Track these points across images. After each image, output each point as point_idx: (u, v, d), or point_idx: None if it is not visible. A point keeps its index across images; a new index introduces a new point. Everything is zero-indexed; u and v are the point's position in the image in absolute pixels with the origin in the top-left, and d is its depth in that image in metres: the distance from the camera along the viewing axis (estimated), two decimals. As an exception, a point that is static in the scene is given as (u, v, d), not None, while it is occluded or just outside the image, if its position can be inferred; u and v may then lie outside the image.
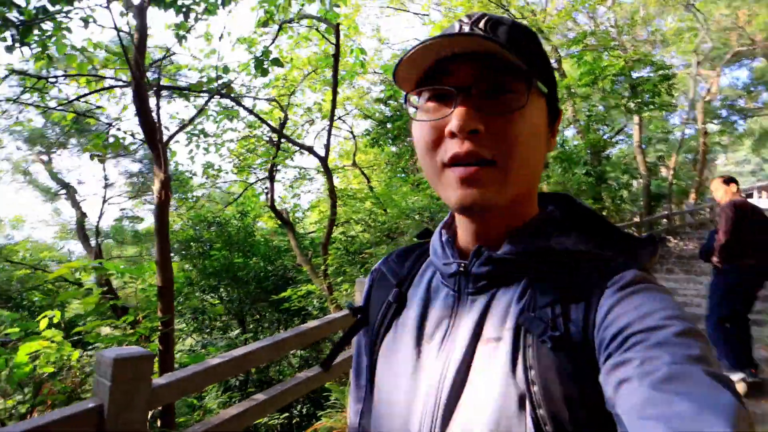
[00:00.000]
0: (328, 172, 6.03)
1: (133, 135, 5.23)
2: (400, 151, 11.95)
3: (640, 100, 9.41)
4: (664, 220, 12.90)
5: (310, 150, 6.41)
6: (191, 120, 5.55)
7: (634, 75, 9.75)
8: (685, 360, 0.40)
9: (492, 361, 0.52)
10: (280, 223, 6.99)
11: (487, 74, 0.52)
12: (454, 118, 0.52)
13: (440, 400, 0.54)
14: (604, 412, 0.45)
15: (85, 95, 5.18)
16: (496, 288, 0.57)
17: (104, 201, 11.83)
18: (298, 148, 7.27)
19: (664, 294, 0.50)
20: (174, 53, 5.95)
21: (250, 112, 5.99)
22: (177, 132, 4.92)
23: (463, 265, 0.59)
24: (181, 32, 4.56)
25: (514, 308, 0.54)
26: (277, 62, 4.84)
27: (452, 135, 0.52)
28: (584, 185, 9.58)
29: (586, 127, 10.79)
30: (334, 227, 7.37)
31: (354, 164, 10.01)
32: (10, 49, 4.12)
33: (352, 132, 8.84)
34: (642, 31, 14.83)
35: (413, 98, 0.59)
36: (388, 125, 10.47)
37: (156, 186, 3.44)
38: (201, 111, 5.26)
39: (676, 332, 0.43)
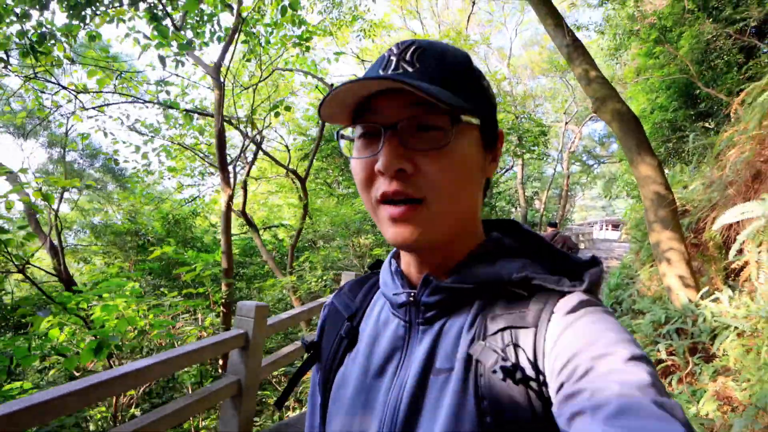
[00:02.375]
0: (305, 192, 7.25)
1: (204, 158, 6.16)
2: (328, 167, 13.33)
3: (524, 148, 12.11)
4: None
5: (294, 172, 7.51)
6: (249, 156, 6.47)
7: (520, 127, 12.54)
8: (634, 389, 0.40)
9: (444, 392, 0.51)
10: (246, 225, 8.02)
11: (411, 111, 0.51)
12: (381, 156, 0.51)
13: (395, 431, 0.53)
14: None
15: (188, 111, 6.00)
16: (447, 317, 0.56)
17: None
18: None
19: (609, 317, 0.49)
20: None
21: (262, 150, 7.06)
22: (251, 165, 6.03)
23: (412, 294, 0.58)
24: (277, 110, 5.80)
25: (465, 337, 0.53)
26: (287, 108, 6.10)
27: (381, 173, 0.52)
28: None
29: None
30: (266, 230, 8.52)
31: (292, 173, 11.21)
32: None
33: (287, 146, 9.98)
34: (527, 86, 18.28)
35: (347, 133, 0.58)
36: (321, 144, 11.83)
37: (224, 198, 4.60)
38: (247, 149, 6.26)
39: (623, 359, 0.43)
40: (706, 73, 7.72)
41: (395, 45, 0.56)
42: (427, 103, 0.50)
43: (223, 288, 4.92)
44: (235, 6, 6.14)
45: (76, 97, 5.80)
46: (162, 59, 5.62)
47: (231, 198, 4.76)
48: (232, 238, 7.73)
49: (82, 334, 3.74)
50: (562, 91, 17.55)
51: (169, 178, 8.72)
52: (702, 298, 4.44)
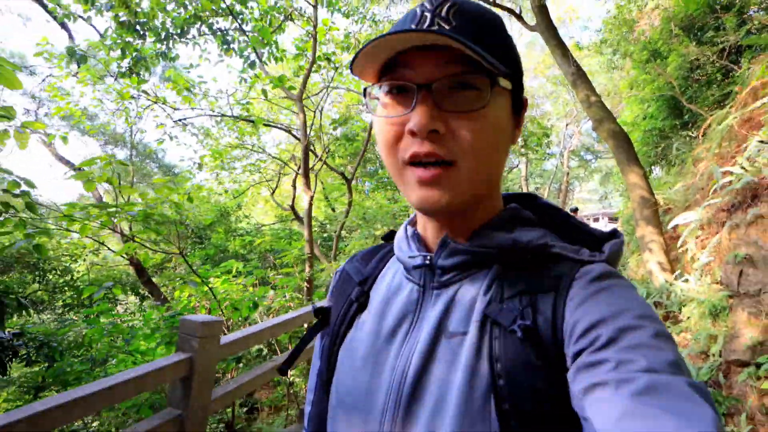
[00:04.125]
0: (350, 190, 8.46)
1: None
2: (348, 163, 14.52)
3: (529, 149, 13.31)
4: (537, 234, 17.45)
5: (342, 174, 8.75)
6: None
7: (525, 130, 13.76)
8: (663, 367, 0.39)
9: (457, 355, 0.51)
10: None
11: (448, 69, 0.49)
12: (414, 116, 0.49)
13: (402, 395, 0.53)
14: (570, 407, 0.44)
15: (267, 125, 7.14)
16: (462, 282, 0.56)
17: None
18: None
19: (634, 291, 0.49)
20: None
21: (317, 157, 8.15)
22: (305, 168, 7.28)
23: (428, 257, 0.59)
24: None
25: (481, 301, 0.53)
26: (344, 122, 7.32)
27: (412, 134, 0.50)
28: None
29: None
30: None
31: (340, 175, 12.46)
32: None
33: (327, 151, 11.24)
34: (530, 87, 19.45)
35: (374, 90, 0.55)
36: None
37: (306, 198, 5.88)
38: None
39: (651, 334, 0.42)
40: (690, 88, 8.95)
41: (428, 0, 0.52)
42: (464, 62, 0.49)
43: (307, 268, 6.11)
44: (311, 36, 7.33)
45: (163, 110, 6.97)
46: (244, 80, 6.81)
47: (312, 198, 5.99)
48: (275, 227, 8.93)
49: (203, 301, 4.96)
50: (563, 93, 18.74)
51: (217, 174, 9.91)
52: (675, 279, 5.70)
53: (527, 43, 23.76)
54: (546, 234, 0.57)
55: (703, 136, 6.33)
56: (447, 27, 0.49)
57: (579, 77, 6.51)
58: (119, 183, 3.61)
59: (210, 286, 4.36)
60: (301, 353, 0.71)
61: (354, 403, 0.57)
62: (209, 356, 2.36)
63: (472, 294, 0.54)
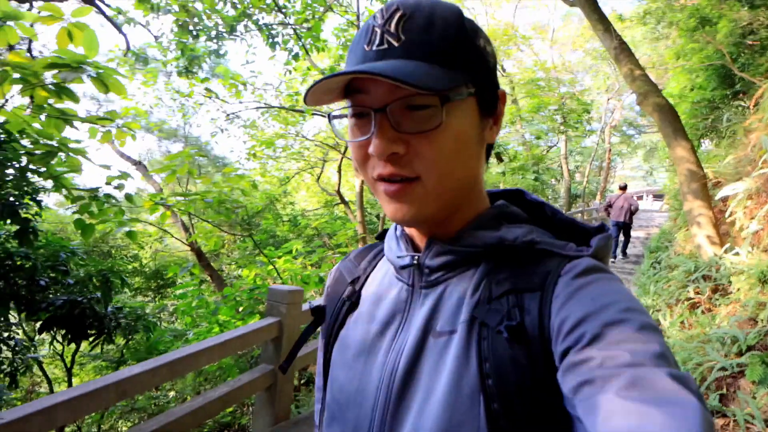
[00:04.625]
0: None
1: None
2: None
3: (569, 126, 13.13)
4: (579, 214, 17.20)
5: None
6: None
7: (564, 107, 13.56)
8: (647, 360, 0.40)
9: (444, 355, 0.52)
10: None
11: (399, 92, 0.49)
12: (374, 141, 0.51)
13: (391, 394, 0.54)
14: (560, 407, 0.44)
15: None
16: (449, 281, 0.57)
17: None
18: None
19: (619, 284, 0.49)
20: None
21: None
22: (343, 155, 7.59)
23: (416, 257, 0.59)
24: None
25: (468, 301, 0.53)
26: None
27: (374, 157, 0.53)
28: (531, 187, 13.31)
29: (530, 143, 14.56)
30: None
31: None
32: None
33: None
34: (567, 61, 18.94)
35: (338, 113, 0.58)
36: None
37: (358, 183, 6.27)
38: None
39: (635, 328, 0.42)
40: (742, 55, 8.59)
41: (379, 10, 0.52)
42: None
43: (360, 246, 6.45)
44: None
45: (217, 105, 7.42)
46: (289, 71, 7.19)
47: (363, 182, 6.36)
48: (318, 212, 9.34)
49: (267, 279, 5.40)
50: (603, 66, 18.13)
51: (264, 162, 10.42)
52: (725, 252, 5.67)
53: (563, 16, 22.99)
54: (533, 230, 0.57)
55: (755, 106, 6.17)
56: (396, 44, 0.50)
57: (622, 51, 6.45)
58: (198, 173, 4.04)
59: (275, 264, 4.79)
60: (299, 351, 0.74)
61: (346, 400, 0.59)
62: (294, 320, 2.77)
63: (459, 293, 0.55)
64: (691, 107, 9.56)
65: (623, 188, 9.86)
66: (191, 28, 6.37)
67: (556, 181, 17.63)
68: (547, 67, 13.13)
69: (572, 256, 0.53)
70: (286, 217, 10.63)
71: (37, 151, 3.56)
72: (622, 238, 9.96)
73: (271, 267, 4.95)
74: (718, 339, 3.90)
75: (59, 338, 4.34)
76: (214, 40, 7.35)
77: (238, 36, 7.53)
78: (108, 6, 8.50)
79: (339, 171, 8.27)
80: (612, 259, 9.85)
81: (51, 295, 4.13)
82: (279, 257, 5.38)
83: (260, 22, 7.50)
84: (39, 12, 3.03)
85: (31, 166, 3.44)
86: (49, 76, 3.12)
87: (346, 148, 8.54)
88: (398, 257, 0.62)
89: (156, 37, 7.98)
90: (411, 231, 0.63)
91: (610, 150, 20.78)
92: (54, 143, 3.55)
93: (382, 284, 0.65)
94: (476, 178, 0.59)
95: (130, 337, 4.06)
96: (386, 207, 0.55)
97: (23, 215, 3.43)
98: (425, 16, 0.50)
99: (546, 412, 0.45)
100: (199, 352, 2.23)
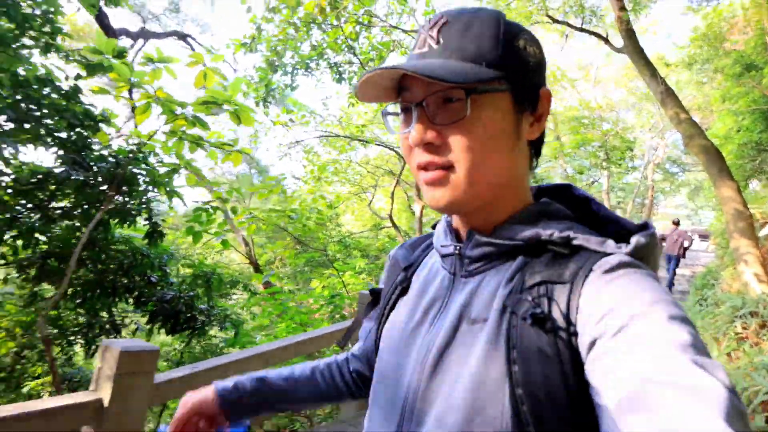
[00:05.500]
0: None
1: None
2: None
3: (611, 163, 13.36)
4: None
5: None
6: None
7: (607, 144, 13.84)
8: (672, 348, 0.40)
9: (476, 340, 0.54)
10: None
11: (433, 87, 0.55)
12: (411, 132, 0.56)
13: (424, 373, 0.57)
14: (583, 396, 0.46)
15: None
16: (487, 272, 0.60)
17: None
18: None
19: (651, 279, 0.49)
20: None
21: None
22: (397, 182, 8.24)
23: (458, 247, 0.63)
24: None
25: (502, 290, 0.56)
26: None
27: (412, 147, 0.58)
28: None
29: (572, 177, 14.85)
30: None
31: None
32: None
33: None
34: (610, 99, 19.23)
35: (390, 108, 0.65)
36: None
37: (418, 207, 6.86)
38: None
39: (662, 318, 0.43)
40: (790, 100, 8.75)
41: (427, 19, 0.60)
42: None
43: None
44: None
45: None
46: (352, 104, 7.97)
47: (423, 208, 6.92)
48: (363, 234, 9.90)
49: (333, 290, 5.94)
50: (647, 105, 18.31)
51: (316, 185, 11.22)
52: (772, 289, 5.82)
53: (606, 55, 23.34)
54: (572, 226, 0.58)
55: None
56: (435, 46, 0.56)
57: (668, 95, 6.84)
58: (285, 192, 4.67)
59: (342, 278, 5.36)
60: (357, 328, 0.82)
61: (388, 379, 0.64)
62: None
63: (495, 283, 0.58)
64: (738, 148, 9.70)
65: (676, 223, 10.21)
66: (276, 64, 7.27)
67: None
68: (592, 106, 13.48)
69: (608, 252, 0.53)
70: (336, 238, 11.30)
71: (163, 169, 4.31)
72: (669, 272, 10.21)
73: (337, 279, 5.53)
74: (764, 366, 4.12)
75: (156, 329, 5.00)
76: (289, 75, 8.25)
77: (309, 72, 8.41)
78: (200, 44, 9.64)
79: (392, 197, 8.87)
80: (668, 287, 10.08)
81: (159, 291, 4.83)
82: (344, 272, 5.96)
83: (331, 61, 8.37)
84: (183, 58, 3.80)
85: (154, 180, 4.16)
86: (187, 109, 3.87)
87: (399, 175, 9.16)
88: (442, 246, 0.67)
89: (235, 70, 8.98)
90: (456, 223, 0.67)
91: (653, 187, 20.64)
92: (177, 161, 4.29)
93: (431, 272, 0.70)
94: (514, 173, 0.61)
95: (221, 329, 4.67)
96: (426, 194, 0.60)
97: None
98: (464, 22, 0.56)
99: (568, 401, 0.46)
100: (317, 337, 2.79)
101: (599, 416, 0.43)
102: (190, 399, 0.79)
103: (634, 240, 0.54)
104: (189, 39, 9.40)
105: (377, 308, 0.78)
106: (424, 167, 0.57)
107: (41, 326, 3.51)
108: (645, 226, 0.57)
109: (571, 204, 0.65)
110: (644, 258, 0.54)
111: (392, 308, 0.72)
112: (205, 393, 0.79)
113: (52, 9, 3.74)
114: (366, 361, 0.86)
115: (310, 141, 9.94)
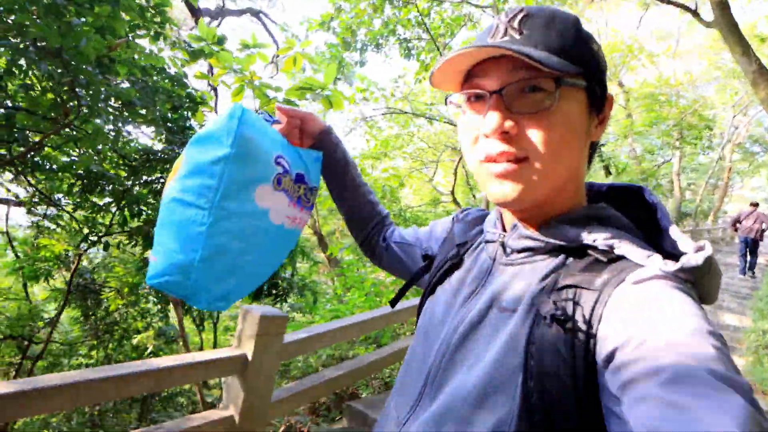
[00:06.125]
0: None
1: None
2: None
3: (686, 142, 12.54)
4: (687, 234, 16.20)
5: None
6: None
7: (683, 122, 12.96)
8: (693, 360, 0.39)
9: (501, 328, 0.56)
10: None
11: (517, 74, 0.53)
12: (487, 120, 0.54)
13: (450, 349, 0.60)
14: (590, 397, 0.46)
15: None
16: (526, 264, 0.60)
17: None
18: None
19: (681, 292, 0.47)
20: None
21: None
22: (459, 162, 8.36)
23: (501, 236, 0.65)
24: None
25: (534, 287, 0.56)
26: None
27: (486, 135, 0.56)
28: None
29: (642, 157, 14.12)
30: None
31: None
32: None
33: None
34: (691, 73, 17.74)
35: (454, 99, 0.62)
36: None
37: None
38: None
39: (687, 332, 0.42)
40: None
41: (504, 12, 0.59)
42: (532, 67, 0.52)
43: None
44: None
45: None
46: (419, 81, 8.09)
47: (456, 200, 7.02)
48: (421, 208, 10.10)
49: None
50: (731, 81, 16.76)
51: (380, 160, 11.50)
52: None
53: (689, 22, 21.46)
54: (621, 235, 0.56)
55: None
56: (518, 36, 0.55)
57: (761, 75, 6.39)
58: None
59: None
60: (408, 290, 0.84)
61: (423, 347, 0.67)
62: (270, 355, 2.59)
63: (530, 278, 0.58)
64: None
65: (755, 205, 9.68)
66: (349, 42, 7.49)
67: (665, 198, 16.79)
68: (671, 83, 12.55)
69: (647, 266, 0.51)
70: (395, 210, 11.62)
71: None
72: (749, 256, 9.69)
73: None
74: None
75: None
76: (358, 51, 8.46)
77: (378, 48, 8.57)
78: (272, 21, 10.00)
79: (455, 173, 8.91)
80: (741, 275, 9.76)
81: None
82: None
83: (401, 37, 8.47)
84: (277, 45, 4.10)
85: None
86: (279, 94, 4.18)
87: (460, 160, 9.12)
88: (488, 231, 0.68)
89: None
90: (507, 213, 0.66)
91: (730, 169, 19.19)
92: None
93: (479, 253, 0.70)
94: (578, 171, 0.60)
95: (300, 296, 5.13)
96: (492, 188, 0.58)
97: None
98: (546, 17, 0.56)
99: (575, 400, 0.46)
100: (403, 309, 3.09)
101: (606, 418, 0.44)
102: (312, 114, 0.95)
103: (684, 259, 0.50)
104: (261, 15, 9.74)
105: (427, 275, 0.80)
106: (494, 159, 0.56)
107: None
108: (701, 248, 0.52)
109: (640, 208, 0.63)
110: (696, 283, 0.51)
111: (439, 282, 0.73)
112: (322, 121, 0.96)
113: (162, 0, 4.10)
114: (391, 242, 0.95)
115: (375, 117, 10.17)
